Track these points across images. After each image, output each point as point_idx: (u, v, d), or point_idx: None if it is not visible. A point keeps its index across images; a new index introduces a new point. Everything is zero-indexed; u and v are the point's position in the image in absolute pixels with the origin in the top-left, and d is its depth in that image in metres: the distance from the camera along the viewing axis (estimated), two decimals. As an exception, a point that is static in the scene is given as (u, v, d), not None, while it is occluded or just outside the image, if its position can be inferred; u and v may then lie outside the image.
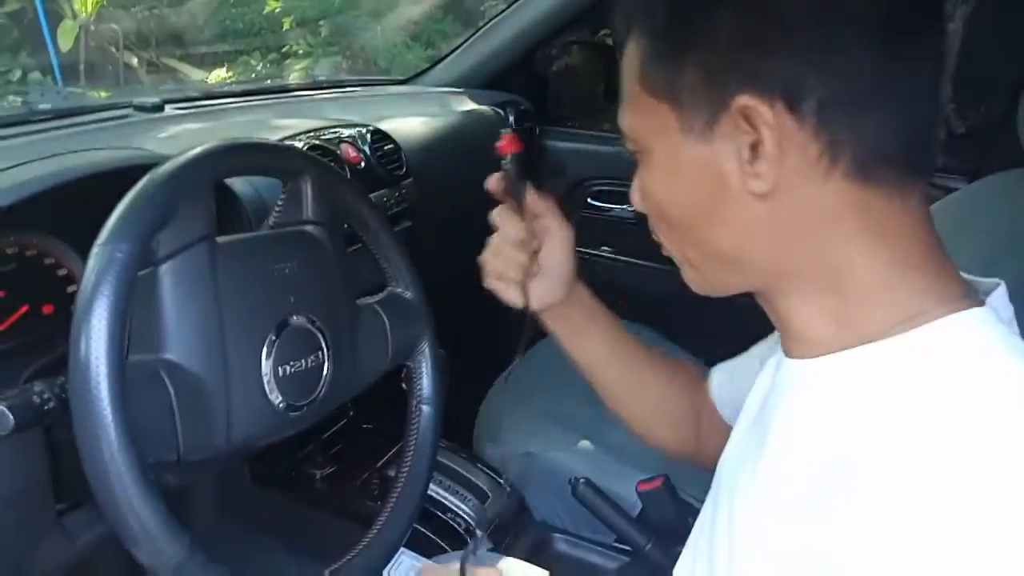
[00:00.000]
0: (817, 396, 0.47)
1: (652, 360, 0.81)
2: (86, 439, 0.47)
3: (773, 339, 0.65)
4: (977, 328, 0.44)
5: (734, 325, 0.80)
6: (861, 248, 0.45)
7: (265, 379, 0.60)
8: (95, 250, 0.50)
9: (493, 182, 0.73)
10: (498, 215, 0.73)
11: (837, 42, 0.42)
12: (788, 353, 0.51)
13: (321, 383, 0.65)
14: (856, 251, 0.45)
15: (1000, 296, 0.48)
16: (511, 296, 0.74)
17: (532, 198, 0.72)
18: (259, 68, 3.82)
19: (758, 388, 0.58)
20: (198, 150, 0.58)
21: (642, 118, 0.49)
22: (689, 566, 0.62)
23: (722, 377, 0.76)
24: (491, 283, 0.75)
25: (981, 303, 0.45)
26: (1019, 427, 0.39)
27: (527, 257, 0.71)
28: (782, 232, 0.46)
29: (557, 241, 0.73)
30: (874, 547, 0.40)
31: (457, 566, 0.85)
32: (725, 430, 0.67)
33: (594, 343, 0.79)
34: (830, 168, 0.44)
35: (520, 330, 0.83)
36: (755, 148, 0.44)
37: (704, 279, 0.53)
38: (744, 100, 0.43)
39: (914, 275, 0.45)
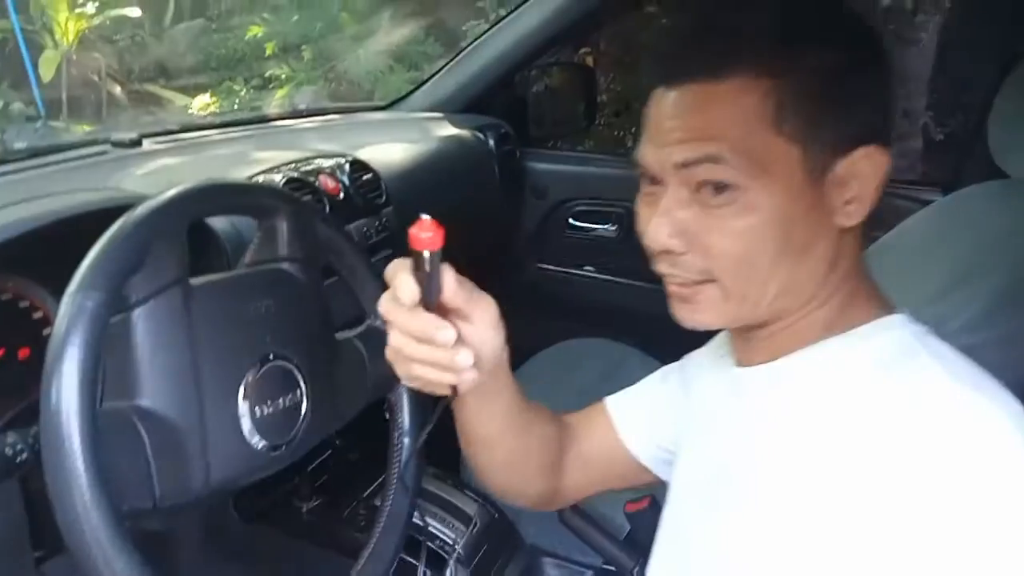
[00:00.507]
0: (804, 381, 0.56)
1: (532, 420, 0.75)
2: (58, 490, 0.47)
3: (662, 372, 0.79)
4: (902, 324, 0.56)
5: (704, 342, 0.81)
6: (855, 271, 0.56)
7: (242, 420, 0.60)
8: (66, 299, 0.50)
9: (401, 273, 0.55)
10: (392, 272, 0.56)
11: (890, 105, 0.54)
12: (748, 361, 0.60)
13: (300, 421, 0.65)
14: (853, 274, 0.56)
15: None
16: (438, 389, 0.60)
17: (449, 293, 0.56)
18: (243, 94, 3.83)
19: (711, 401, 0.65)
20: (169, 194, 0.58)
21: (766, 159, 0.51)
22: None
23: (625, 403, 0.81)
24: (396, 370, 0.60)
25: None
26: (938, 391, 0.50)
27: (435, 348, 0.55)
28: (834, 263, 0.55)
29: (484, 322, 0.60)
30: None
31: None
32: (590, 468, 0.79)
33: (500, 411, 0.71)
34: None
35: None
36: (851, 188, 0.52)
37: (732, 314, 0.56)
38: (871, 150, 0.52)
39: (862, 290, 0.57)
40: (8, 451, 0.51)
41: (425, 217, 0.52)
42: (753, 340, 0.59)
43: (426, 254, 0.53)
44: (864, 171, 0.52)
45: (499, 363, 0.65)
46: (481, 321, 0.59)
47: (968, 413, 0.49)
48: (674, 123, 0.53)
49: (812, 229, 0.53)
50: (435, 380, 0.57)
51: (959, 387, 0.50)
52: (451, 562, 1.04)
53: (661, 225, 0.54)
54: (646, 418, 0.78)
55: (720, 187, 0.51)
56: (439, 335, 0.53)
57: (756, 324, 0.57)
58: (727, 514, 0.60)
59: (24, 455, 0.52)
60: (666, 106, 0.54)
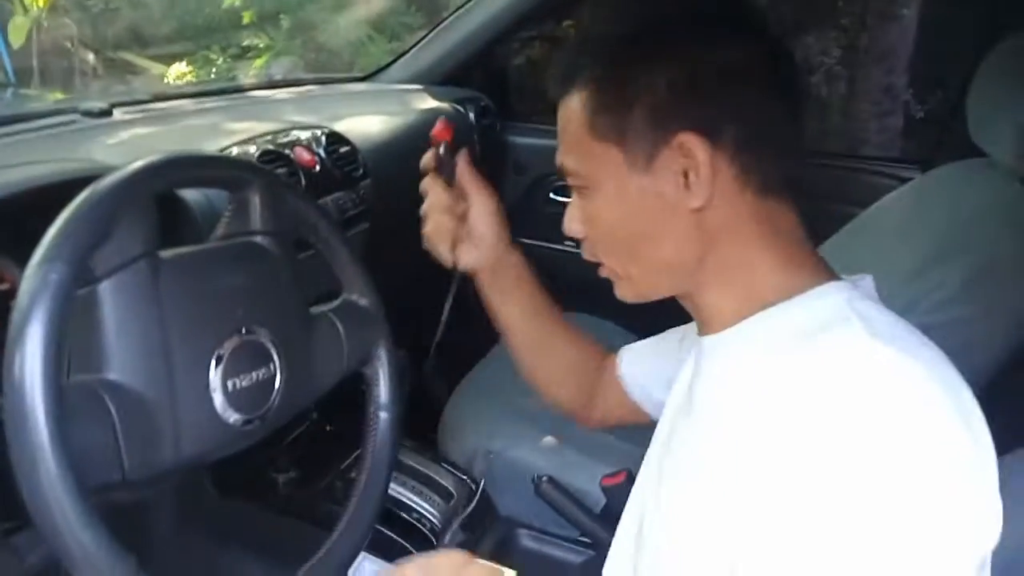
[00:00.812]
0: (734, 353, 0.59)
1: (565, 327, 0.92)
2: (23, 464, 0.46)
3: (682, 330, 0.81)
4: (838, 292, 0.57)
5: (685, 318, 0.82)
6: (762, 246, 0.59)
7: (214, 394, 0.59)
8: (29, 271, 0.49)
9: (426, 159, 0.83)
10: (426, 184, 0.83)
11: (745, 100, 0.57)
12: (703, 332, 0.64)
13: (273, 395, 0.64)
14: (758, 248, 0.59)
15: (868, 282, 0.62)
16: (443, 256, 0.84)
17: (460, 171, 0.83)
18: (219, 63, 3.75)
19: (684, 374, 0.69)
20: (137, 165, 0.56)
21: (589, 158, 0.60)
22: (622, 547, 0.70)
23: (631, 356, 0.88)
24: (426, 244, 0.85)
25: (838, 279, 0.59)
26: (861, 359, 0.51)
27: (453, 222, 0.81)
28: (708, 238, 0.59)
29: (482, 209, 0.83)
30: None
31: None
32: (620, 404, 0.88)
33: (519, 305, 0.89)
34: (743, 188, 0.58)
35: (483, 330, 0.95)
36: (687, 174, 0.57)
37: (638, 289, 0.64)
38: (684, 137, 0.56)
39: (796, 263, 0.60)
40: (-29, 424, 0.50)
41: (442, 117, 0.76)
42: (694, 313, 0.65)
43: (442, 143, 0.82)
44: (685, 155, 0.56)
45: (498, 248, 0.86)
46: (479, 203, 0.83)
47: (878, 366, 0.50)
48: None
49: (655, 215, 0.59)
50: (442, 240, 0.83)
51: (875, 343, 0.51)
52: (427, 533, 1.05)
53: (566, 217, 0.66)
54: (650, 371, 0.85)
55: (578, 187, 0.62)
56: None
57: (681, 298, 0.64)
58: (665, 487, 0.64)
59: (-11, 428, 0.51)
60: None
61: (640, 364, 0.87)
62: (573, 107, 0.60)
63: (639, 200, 0.59)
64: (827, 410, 0.49)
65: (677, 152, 0.56)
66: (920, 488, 0.46)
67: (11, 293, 0.74)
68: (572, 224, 0.65)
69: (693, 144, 0.56)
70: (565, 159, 0.62)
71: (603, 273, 0.66)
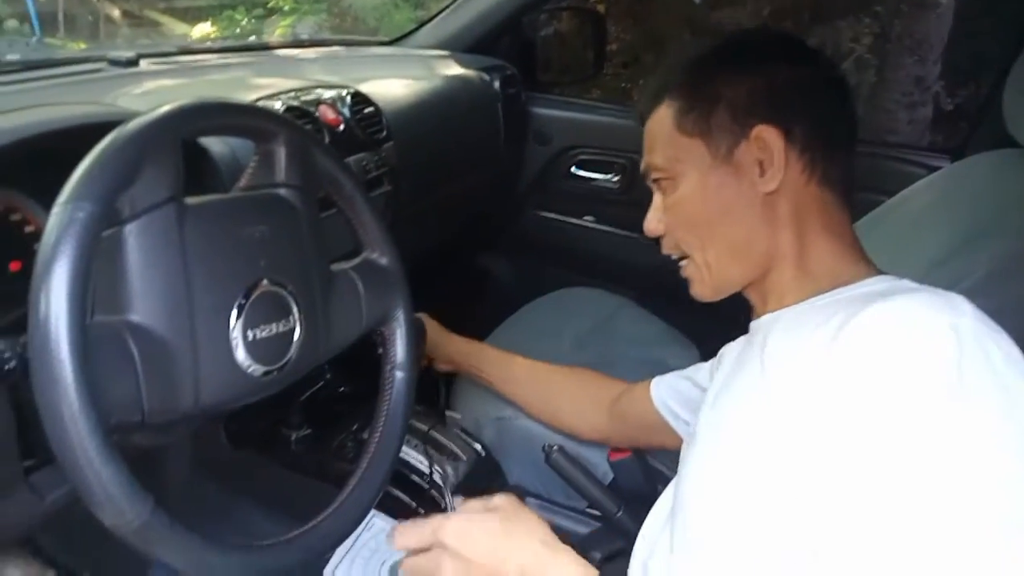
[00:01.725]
0: (792, 327, 0.63)
1: (563, 370, 1.10)
2: (46, 400, 0.47)
3: (705, 367, 0.91)
4: (891, 280, 0.64)
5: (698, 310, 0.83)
6: (822, 233, 0.69)
7: (234, 343, 0.59)
8: (56, 209, 0.49)
9: None
10: None
11: (812, 105, 0.69)
12: (761, 312, 0.71)
13: (292, 348, 0.64)
14: (818, 235, 0.69)
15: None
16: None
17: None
18: (244, 23, 3.73)
19: (727, 358, 0.76)
20: (166, 108, 0.56)
21: (676, 153, 0.71)
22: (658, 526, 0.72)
23: (664, 391, 0.96)
24: None
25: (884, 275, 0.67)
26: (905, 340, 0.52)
27: None
28: (777, 221, 0.68)
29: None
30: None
31: None
32: (648, 427, 0.97)
33: (506, 370, 1.13)
34: (808, 179, 0.69)
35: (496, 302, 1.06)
36: (762, 164, 0.67)
37: (714, 281, 0.72)
38: (761, 129, 0.67)
39: (851, 255, 0.69)
40: (-4, 359, 0.51)
41: None
42: (756, 296, 0.73)
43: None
44: (763, 145, 0.67)
45: (468, 353, 1.17)
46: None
47: (897, 308, 0.53)
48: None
49: (733, 197, 0.69)
50: None
51: (895, 305, 0.54)
52: (435, 495, 1.05)
53: (648, 217, 0.75)
54: (682, 393, 0.93)
55: (661, 182, 0.73)
56: None
57: (742, 286, 0.72)
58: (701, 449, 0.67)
59: (12, 363, 0.51)
60: None
61: (671, 390, 0.94)
62: (662, 114, 0.72)
63: (719, 186, 0.69)
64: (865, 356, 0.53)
65: (754, 144, 0.67)
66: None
67: (36, 235, 0.74)
68: (653, 223, 0.75)
69: (769, 136, 0.67)
70: (653, 158, 0.73)
71: (685, 271, 0.74)
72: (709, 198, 0.69)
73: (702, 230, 0.71)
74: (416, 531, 0.67)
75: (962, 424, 0.48)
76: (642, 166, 0.76)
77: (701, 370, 0.92)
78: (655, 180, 0.75)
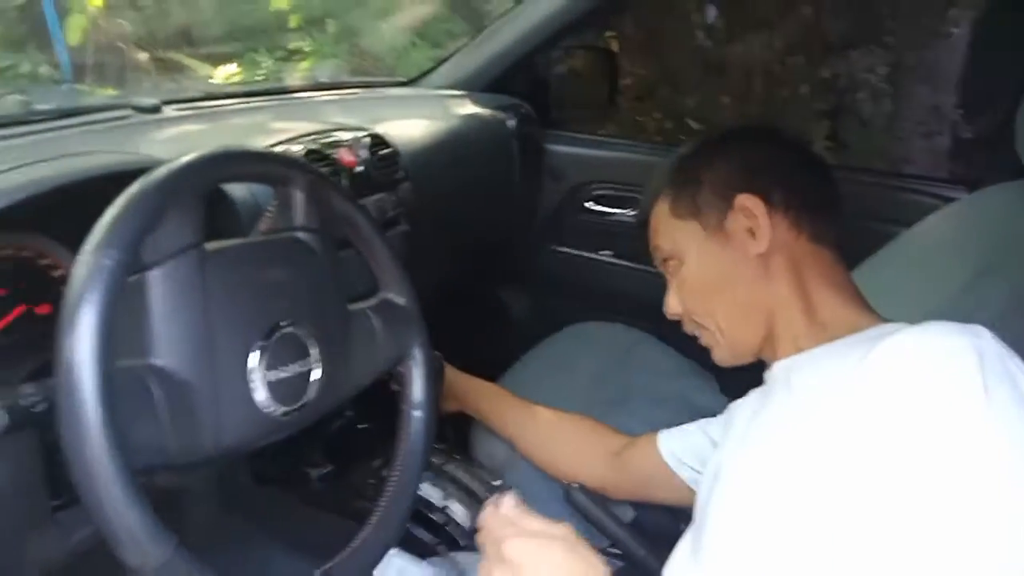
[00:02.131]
0: (816, 361, 0.68)
1: (566, 417, 1.10)
2: (72, 443, 0.48)
3: (716, 421, 0.92)
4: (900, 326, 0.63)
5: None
6: (821, 284, 0.74)
7: (254, 384, 0.61)
8: (82, 257, 0.51)
9: None
10: None
11: (786, 175, 0.77)
12: (775, 359, 0.75)
13: (311, 388, 0.66)
14: (818, 286, 0.74)
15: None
16: None
17: None
18: (266, 65, 3.83)
19: (740, 412, 0.78)
20: (188, 158, 0.58)
21: (675, 235, 0.80)
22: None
23: (673, 442, 0.97)
24: None
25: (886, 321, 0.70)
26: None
27: None
28: (774, 278, 0.74)
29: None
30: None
31: None
32: (653, 481, 0.98)
33: (499, 427, 1.14)
34: (798, 235, 0.76)
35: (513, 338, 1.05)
36: (752, 231, 0.74)
37: (732, 348, 0.78)
38: (743, 199, 0.75)
39: (855, 304, 0.74)
40: (26, 402, 0.52)
41: None
42: (768, 351, 0.76)
43: None
44: (748, 213, 0.74)
45: (457, 399, 1.18)
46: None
47: (921, 333, 0.57)
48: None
49: (729, 263, 0.76)
50: None
51: (918, 329, 0.57)
52: (454, 536, 1.05)
53: (667, 301, 0.83)
54: (691, 447, 0.95)
55: (669, 264, 0.82)
56: None
57: (757, 346, 0.76)
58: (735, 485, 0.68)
59: (42, 406, 0.53)
60: None
61: (681, 440, 0.96)
62: (660, 207, 0.82)
63: (716, 254, 0.77)
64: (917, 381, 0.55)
65: (740, 213, 0.75)
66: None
67: (64, 280, 0.76)
68: (673, 304, 0.82)
69: (751, 203, 0.74)
70: (660, 242, 0.83)
71: (703, 341, 0.81)
72: (709, 267, 0.77)
73: (709, 299, 0.78)
74: (494, 527, 0.64)
75: (992, 441, 0.50)
76: (651, 247, 0.85)
77: (712, 423, 0.93)
78: (664, 262, 0.83)
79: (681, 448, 0.95)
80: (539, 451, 1.09)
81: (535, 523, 0.62)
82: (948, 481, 0.50)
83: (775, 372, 0.74)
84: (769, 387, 0.74)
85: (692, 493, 0.89)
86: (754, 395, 0.78)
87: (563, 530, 0.61)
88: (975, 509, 0.49)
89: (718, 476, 0.71)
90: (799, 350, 0.72)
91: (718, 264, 0.77)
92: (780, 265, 0.74)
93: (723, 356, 0.80)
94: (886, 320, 0.71)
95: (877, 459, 0.53)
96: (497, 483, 1.14)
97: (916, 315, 0.74)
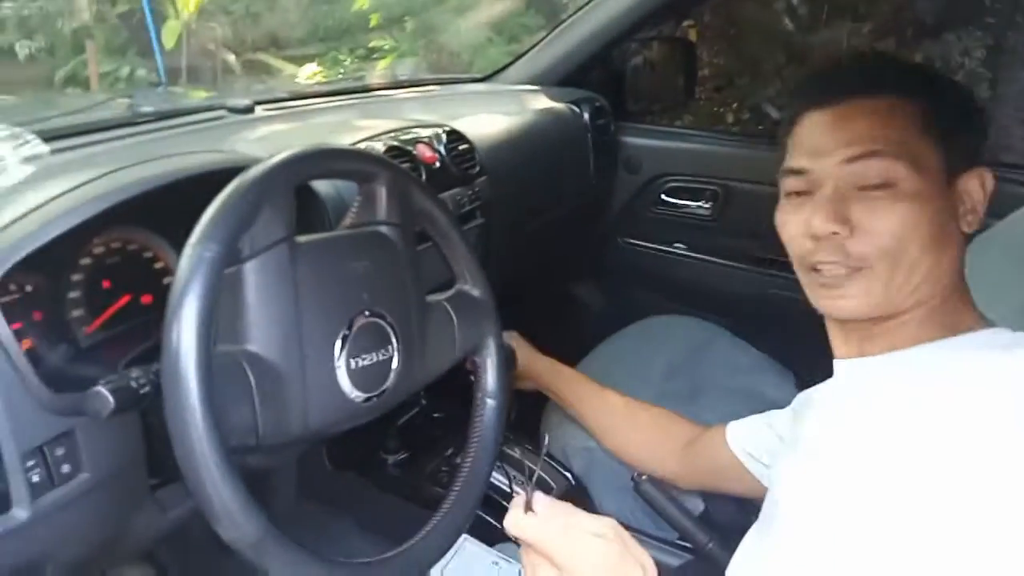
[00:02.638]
0: (907, 375, 0.64)
1: (635, 406, 1.09)
2: (175, 423, 0.52)
3: (783, 413, 0.89)
4: (1005, 336, 0.64)
5: (798, 325, 0.81)
6: (961, 277, 0.68)
7: (338, 370, 0.64)
8: (187, 250, 0.55)
9: None
10: None
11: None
12: (864, 353, 0.69)
13: (390, 375, 0.69)
14: (960, 278, 0.68)
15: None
16: None
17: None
18: (347, 63, 3.94)
19: (810, 404, 0.75)
20: (280, 157, 0.62)
21: (918, 160, 0.64)
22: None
23: (740, 434, 0.95)
24: None
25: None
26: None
27: None
28: (954, 264, 0.67)
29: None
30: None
31: None
32: (720, 471, 0.96)
33: (575, 406, 1.14)
34: None
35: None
36: (966, 202, 0.66)
37: (885, 304, 0.66)
38: (983, 170, 0.67)
39: (968, 299, 0.68)
40: (134, 384, 0.57)
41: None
42: (872, 331, 0.69)
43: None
44: (979, 186, 0.66)
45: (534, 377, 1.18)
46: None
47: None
48: (839, 132, 0.66)
49: (945, 227, 0.65)
50: None
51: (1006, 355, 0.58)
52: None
53: (826, 213, 0.65)
54: (759, 438, 0.92)
55: (880, 181, 0.64)
56: None
57: (885, 316, 0.67)
58: (813, 486, 0.66)
59: (146, 388, 0.57)
60: (824, 122, 0.68)
61: (748, 432, 0.94)
62: (903, 110, 0.65)
63: (942, 210, 0.65)
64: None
65: (976, 181, 0.67)
66: None
67: (165, 271, 0.82)
68: (835, 220, 0.65)
69: (988, 180, 0.67)
70: (884, 147, 0.64)
71: (837, 281, 0.67)
72: (936, 223, 0.64)
73: (912, 250, 0.64)
74: (526, 529, 0.60)
75: None
76: (845, 153, 0.66)
77: (778, 416, 0.91)
78: (861, 176, 0.65)
79: (748, 440, 0.94)
80: (611, 436, 1.09)
81: (580, 519, 0.59)
82: None
83: (852, 368, 0.71)
84: (843, 385, 0.72)
85: (760, 485, 0.89)
86: (826, 389, 0.75)
87: (608, 526, 0.59)
88: None
89: (792, 476, 0.70)
90: (892, 349, 0.67)
91: (941, 222, 0.65)
92: (960, 252, 0.67)
93: (858, 309, 0.67)
94: (988, 322, 0.68)
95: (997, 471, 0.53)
96: (567, 475, 1.16)
97: (1006, 310, 0.72)
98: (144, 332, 0.76)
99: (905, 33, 3.44)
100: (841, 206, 0.65)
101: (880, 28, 3.47)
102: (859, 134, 0.65)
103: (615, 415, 1.09)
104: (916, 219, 0.63)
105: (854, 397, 0.68)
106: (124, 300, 0.79)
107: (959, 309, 0.67)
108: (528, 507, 0.59)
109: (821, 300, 0.69)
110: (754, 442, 0.93)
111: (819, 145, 0.67)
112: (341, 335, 0.64)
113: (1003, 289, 0.92)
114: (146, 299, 0.81)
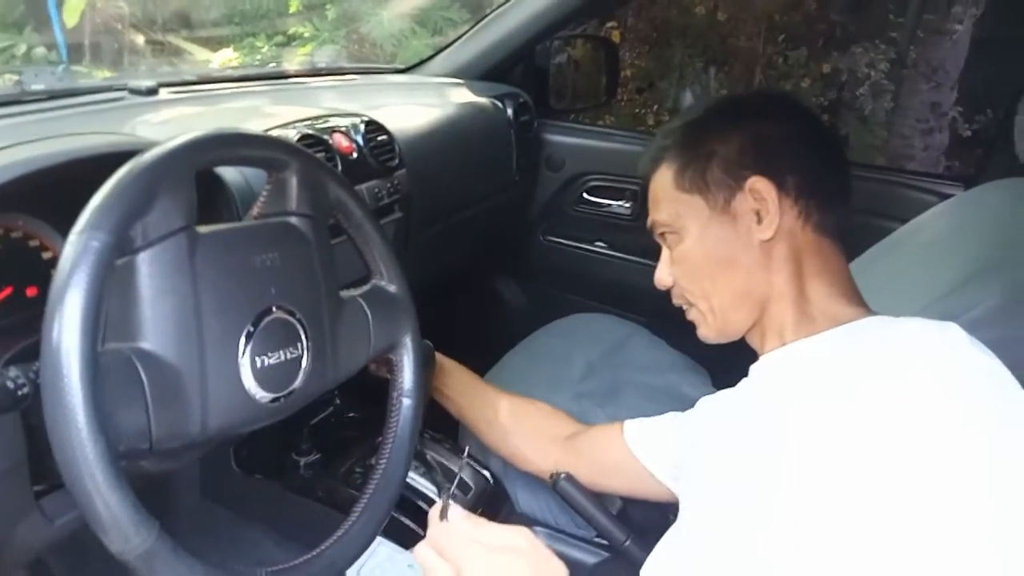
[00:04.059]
0: (797, 365, 0.70)
1: (517, 402, 1.07)
2: (56, 426, 0.47)
3: (681, 416, 0.90)
4: (881, 322, 0.68)
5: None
6: (816, 275, 0.73)
7: (242, 369, 0.60)
8: (71, 238, 0.50)
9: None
10: None
11: (801, 157, 0.73)
12: (761, 349, 0.76)
13: (299, 375, 0.65)
14: (813, 276, 0.73)
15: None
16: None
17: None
18: (265, 50, 3.80)
19: (715, 409, 0.80)
20: (179, 140, 0.58)
21: (677, 208, 0.76)
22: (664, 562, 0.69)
23: (640, 433, 0.95)
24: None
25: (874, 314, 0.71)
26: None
27: None
28: (774, 266, 0.72)
29: None
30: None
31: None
32: (602, 465, 0.96)
33: (461, 413, 1.10)
34: (803, 225, 0.73)
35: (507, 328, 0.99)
36: (758, 213, 0.72)
37: (719, 326, 0.76)
38: (755, 182, 0.72)
39: (846, 298, 0.73)
40: (10, 384, 0.52)
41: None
42: (756, 339, 0.77)
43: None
44: (758, 196, 0.71)
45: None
46: None
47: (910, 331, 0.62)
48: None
49: (732, 245, 0.73)
50: None
51: (902, 320, 0.64)
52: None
53: (658, 271, 0.80)
54: (661, 440, 0.92)
55: (667, 236, 0.79)
56: None
57: (745, 329, 0.76)
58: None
59: (25, 389, 0.53)
60: None
61: (649, 434, 0.94)
62: (662, 174, 0.78)
63: (719, 236, 0.73)
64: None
65: (749, 195, 0.72)
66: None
67: (53, 262, 0.76)
68: (664, 276, 0.80)
69: (763, 186, 0.71)
70: (657, 215, 0.79)
71: (690, 316, 0.79)
72: (710, 248, 0.74)
73: (705, 280, 0.75)
74: (436, 551, 0.60)
75: (965, 426, 0.54)
76: (648, 222, 0.81)
77: (682, 419, 0.91)
78: (661, 234, 0.80)
79: (649, 440, 0.93)
80: (492, 431, 1.06)
81: (492, 534, 0.58)
82: (932, 477, 0.53)
83: (758, 369, 0.75)
84: (751, 386, 0.75)
85: (656, 483, 0.91)
86: (730, 394, 0.78)
87: (521, 537, 0.58)
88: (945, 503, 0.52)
89: (703, 481, 0.71)
90: (783, 343, 0.72)
91: (719, 246, 0.74)
92: (782, 254, 0.72)
93: (709, 334, 0.78)
94: (874, 313, 0.71)
95: (865, 462, 0.55)
96: (486, 473, 1.14)
97: (911, 310, 0.75)
98: (29, 327, 0.70)
99: (816, 44, 3.59)
100: (662, 267, 0.80)
101: (793, 37, 3.61)
102: (649, 212, 0.81)
103: (496, 408, 1.05)
104: (695, 253, 0.75)
105: (758, 393, 0.73)
106: (6, 292, 0.73)
107: (830, 304, 0.72)
108: (443, 515, 0.58)
109: None
110: (654, 442, 0.93)
111: None
112: (245, 332, 0.60)
113: (905, 291, 0.96)
114: (31, 291, 0.75)
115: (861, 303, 0.73)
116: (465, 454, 1.01)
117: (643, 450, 0.93)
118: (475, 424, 1.08)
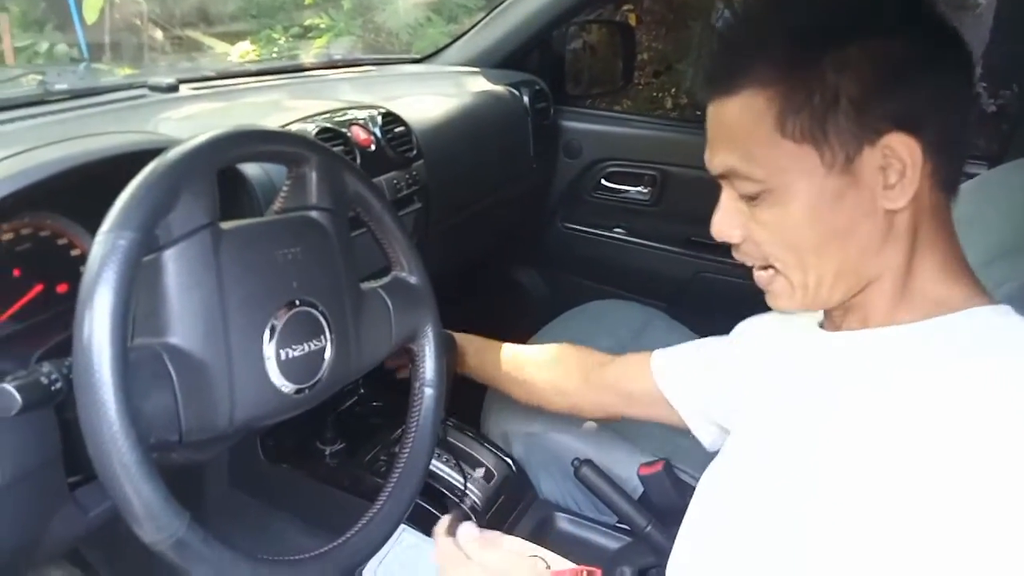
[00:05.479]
0: (889, 356, 0.57)
1: (537, 351, 1.05)
2: (88, 420, 0.49)
3: (713, 342, 0.84)
4: (995, 319, 0.55)
5: (736, 306, 0.83)
6: (930, 247, 0.58)
7: (267, 362, 0.62)
8: (99, 237, 0.52)
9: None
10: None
11: (945, 91, 0.54)
12: (839, 327, 0.63)
13: (323, 366, 0.66)
14: (928, 249, 0.58)
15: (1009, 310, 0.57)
16: None
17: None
18: (281, 42, 3.82)
19: (789, 363, 0.68)
20: (201, 139, 0.59)
21: (776, 161, 0.56)
22: (690, 547, 0.68)
23: (660, 362, 0.92)
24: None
25: (994, 302, 0.57)
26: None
27: None
28: (894, 239, 0.57)
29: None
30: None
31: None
32: (628, 394, 0.95)
33: (490, 379, 1.09)
34: (932, 187, 0.57)
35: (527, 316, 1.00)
36: (885, 171, 0.54)
37: (809, 299, 0.60)
38: (893, 138, 0.54)
39: (955, 275, 0.58)
40: (44, 380, 0.53)
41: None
42: (841, 310, 0.63)
43: None
44: (895, 158, 0.54)
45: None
46: None
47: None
48: (709, 144, 0.61)
49: (849, 214, 0.56)
50: None
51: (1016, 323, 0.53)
52: (466, 510, 1.06)
53: (719, 220, 0.62)
54: (691, 378, 0.86)
55: (749, 194, 0.59)
56: None
57: (835, 306, 0.62)
58: (791, 471, 0.59)
59: (58, 384, 0.54)
60: (708, 122, 0.61)
61: (675, 368, 0.90)
62: (753, 107, 0.56)
63: (835, 202, 0.56)
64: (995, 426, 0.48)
65: (880, 152, 0.54)
66: None
67: (82, 259, 0.78)
68: (727, 227, 0.62)
69: (902, 145, 0.54)
70: (738, 163, 0.58)
71: (764, 281, 0.63)
72: (823, 217, 0.57)
73: (807, 252, 0.58)
74: (439, 551, 0.61)
75: None
76: (714, 164, 0.61)
77: (706, 346, 0.87)
78: (741, 188, 0.60)
79: (674, 373, 0.90)
80: (516, 384, 1.06)
81: (496, 558, 0.57)
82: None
83: (829, 339, 0.65)
84: (824, 359, 0.64)
85: (671, 415, 0.91)
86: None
87: (526, 558, 0.57)
88: None
89: (737, 454, 0.68)
90: (865, 326, 0.60)
91: (834, 215, 0.56)
92: (903, 224, 0.57)
93: (788, 306, 0.62)
94: (981, 290, 0.59)
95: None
96: (508, 460, 1.15)
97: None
98: (60, 323, 0.72)
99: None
100: (733, 212, 0.61)
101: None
102: (716, 144, 0.60)
103: (517, 363, 1.06)
104: (796, 222, 0.57)
105: (842, 371, 0.62)
106: (37, 289, 0.75)
107: (936, 284, 0.58)
108: (450, 530, 0.59)
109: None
110: (678, 376, 0.89)
111: (707, 146, 0.62)
112: (269, 325, 0.62)
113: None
114: (61, 288, 0.77)
115: (970, 280, 0.59)
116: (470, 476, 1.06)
117: (666, 382, 0.90)
118: (500, 382, 1.08)
